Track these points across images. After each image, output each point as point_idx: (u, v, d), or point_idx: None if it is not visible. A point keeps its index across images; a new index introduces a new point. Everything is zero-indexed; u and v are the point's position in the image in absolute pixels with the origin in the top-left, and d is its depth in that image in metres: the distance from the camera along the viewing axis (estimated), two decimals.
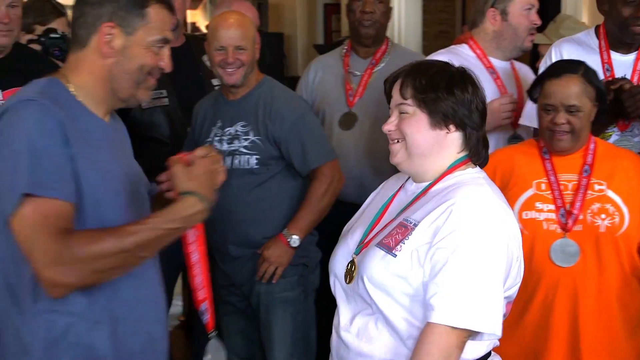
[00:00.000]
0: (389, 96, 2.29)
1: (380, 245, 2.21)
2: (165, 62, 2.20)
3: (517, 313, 2.78)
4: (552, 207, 2.80)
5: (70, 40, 2.20)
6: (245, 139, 3.30)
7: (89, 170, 2.06)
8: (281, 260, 3.29)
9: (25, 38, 3.89)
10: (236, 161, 3.29)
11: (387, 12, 4.00)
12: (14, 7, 3.21)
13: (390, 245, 2.18)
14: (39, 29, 3.82)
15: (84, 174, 2.04)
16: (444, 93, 2.21)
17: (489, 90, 3.43)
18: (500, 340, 2.19)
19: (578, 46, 3.31)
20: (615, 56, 3.27)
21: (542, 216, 2.80)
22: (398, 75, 2.27)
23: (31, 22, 3.74)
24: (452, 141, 2.23)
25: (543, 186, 2.84)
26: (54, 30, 3.84)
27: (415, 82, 2.22)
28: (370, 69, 3.90)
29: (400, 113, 2.23)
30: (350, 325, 2.24)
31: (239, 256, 3.35)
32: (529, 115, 3.21)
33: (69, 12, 3.14)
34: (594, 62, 3.05)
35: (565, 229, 2.78)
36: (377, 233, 2.27)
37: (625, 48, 3.28)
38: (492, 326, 2.10)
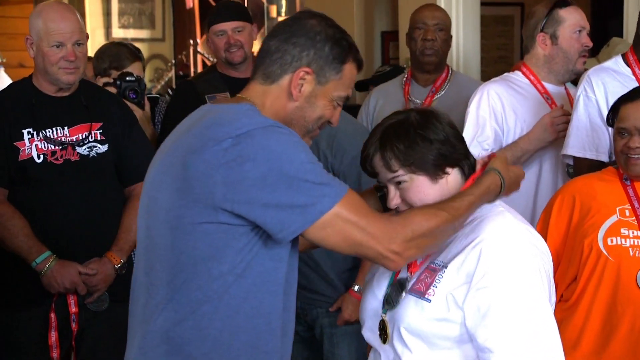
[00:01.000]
0: (373, 175, 2.25)
1: (412, 292, 2.17)
2: (335, 118, 2.20)
3: (600, 342, 2.75)
4: (638, 233, 2.75)
5: (255, 69, 2.17)
6: None
7: None
8: (356, 315, 3.29)
9: (101, 81, 4.01)
10: None
11: (448, 40, 4.02)
12: (80, 45, 3.31)
13: (422, 290, 2.15)
14: (115, 73, 3.90)
15: None
16: (425, 145, 2.18)
17: (543, 113, 3.42)
18: None
19: (614, 74, 3.25)
20: None
21: (628, 242, 2.75)
22: (370, 155, 2.22)
23: (107, 67, 3.85)
24: (453, 179, 2.21)
25: (627, 212, 2.78)
26: (130, 74, 3.92)
27: (394, 151, 2.17)
28: (431, 96, 3.91)
29: (398, 184, 2.20)
30: None
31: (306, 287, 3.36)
32: (574, 143, 3.20)
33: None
34: None
35: None
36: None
37: None
38: (556, 357, 2.09)
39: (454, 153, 2.20)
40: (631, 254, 2.73)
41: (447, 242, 2.17)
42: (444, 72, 4.01)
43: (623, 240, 2.75)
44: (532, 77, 3.51)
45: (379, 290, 2.27)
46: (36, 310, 3.31)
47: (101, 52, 4.38)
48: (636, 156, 2.75)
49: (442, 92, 3.96)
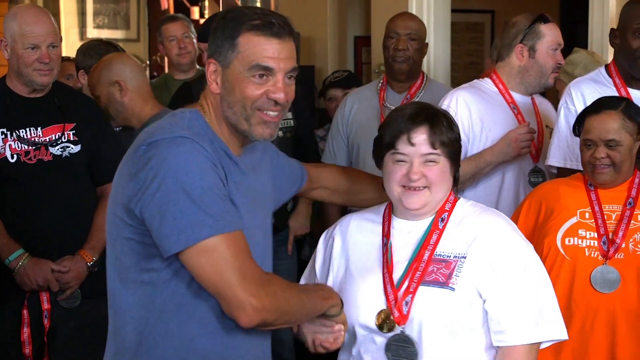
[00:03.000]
0: (395, 138, 2.29)
1: (430, 283, 2.25)
2: (277, 95, 2.11)
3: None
4: (594, 234, 2.83)
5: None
6: None
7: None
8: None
9: (82, 79, 4.05)
10: None
11: (422, 48, 4.06)
12: (55, 48, 3.35)
13: (441, 281, 2.25)
14: None
15: None
16: (457, 137, 2.34)
17: (510, 125, 3.49)
18: None
19: (595, 84, 3.33)
20: (633, 92, 3.29)
21: (584, 243, 2.84)
22: (419, 122, 2.28)
23: (93, 63, 3.87)
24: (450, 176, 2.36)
25: (587, 215, 2.87)
26: None
27: (442, 131, 2.28)
28: (406, 103, 3.95)
29: (426, 162, 2.28)
30: None
31: None
32: (555, 154, 3.30)
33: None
34: None
35: (606, 256, 2.80)
36: (408, 277, 2.29)
37: (639, 84, 3.30)
38: (563, 331, 2.30)
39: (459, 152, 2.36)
40: (587, 254, 2.83)
41: (447, 233, 2.31)
42: (418, 79, 4.07)
43: (580, 240, 2.84)
44: (500, 86, 3.55)
45: (375, 284, 2.32)
46: (9, 307, 3.34)
47: (89, 48, 4.42)
48: (602, 165, 2.84)
49: (416, 99, 3.99)
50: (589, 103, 3.04)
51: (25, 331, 3.31)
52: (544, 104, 3.69)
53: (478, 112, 3.50)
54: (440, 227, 2.32)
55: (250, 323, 2.00)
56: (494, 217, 2.38)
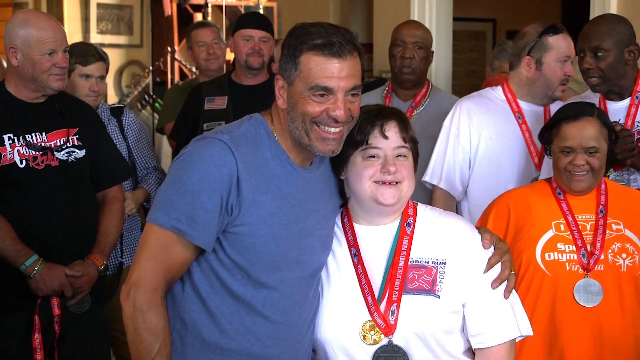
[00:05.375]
0: (360, 142, 2.30)
1: (412, 291, 2.26)
2: (335, 113, 2.18)
3: (541, 354, 2.80)
4: (573, 247, 2.81)
5: None
6: None
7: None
8: None
9: None
10: None
11: (428, 57, 4.07)
12: (66, 52, 3.36)
13: (425, 288, 2.26)
14: (79, 68, 3.96)
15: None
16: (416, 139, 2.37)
17: (511, 132, 3.52)
18: None
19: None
20: (610, 104, 3.34)
21: (564, 257, 2.81)
22: (389, 115, 2.32)
23: (73, 61, 3.88)
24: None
25: (562, 227, 2.85)
26: None
27: (408, 128, 2.32)
28: (410, 111, 3.98)
29: (398, 156, 2.30)
30: None
31: None
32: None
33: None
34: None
35: (586, 268, 2.78)
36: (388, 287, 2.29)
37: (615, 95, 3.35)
38: (530, 326, 2.37)
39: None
40: (567, 268, 2.80)
41: (417, 238, 2.32)
42: (424, 88, 4.08)
43: (560, 255, 2.82)
44: (509, 95, 3.58)
45: (354, 301, 2.31)
46: (20, 314, 3.34)
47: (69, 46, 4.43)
48: (580, 173, 2.83)
49: (422, 108, 4.01)
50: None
51: (37, 337, 3.32)
52: None
53: (478, 123, 3.54)
54: (409, 232, 2.32)
55: (124, 315, 2.19)
56: (458, 220, 2.42)
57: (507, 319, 2.31)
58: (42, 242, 3.32)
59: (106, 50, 4.36)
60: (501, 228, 2.88)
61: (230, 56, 5.48)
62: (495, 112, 3.57)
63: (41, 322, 3.34)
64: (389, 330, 2.25)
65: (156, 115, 7.19)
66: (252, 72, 4.28)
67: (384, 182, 2.28)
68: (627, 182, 3.24)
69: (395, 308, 2.25)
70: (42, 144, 3.32)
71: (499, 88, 3.64)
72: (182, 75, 8.06)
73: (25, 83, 3.32)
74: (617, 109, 3.32)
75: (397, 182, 2.28)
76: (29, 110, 3.35)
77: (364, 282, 2.29)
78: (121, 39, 8.35)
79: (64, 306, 3.38)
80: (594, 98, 3.37)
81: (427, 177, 3.66)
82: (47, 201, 3.31)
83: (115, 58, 7.64)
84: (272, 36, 4.37)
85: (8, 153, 3.27)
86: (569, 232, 2.84)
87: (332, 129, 2.20)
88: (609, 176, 3.21)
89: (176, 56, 8.07)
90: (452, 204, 3.66)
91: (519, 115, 3.55)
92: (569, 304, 2.78)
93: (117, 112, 4.16)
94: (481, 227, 2.50)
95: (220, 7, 8.14)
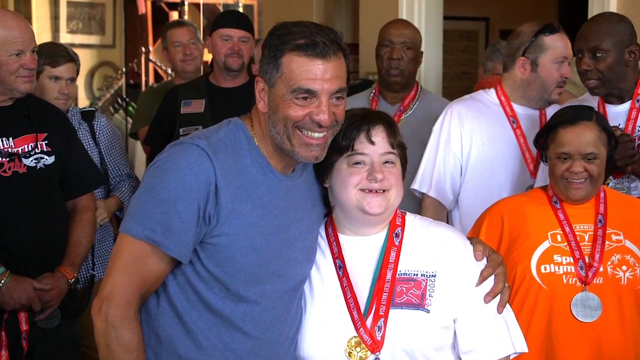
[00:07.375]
0: (346, 147, 2.29)
1: (401, 306, 2.25)
2: (319, 117, 2.16)
3: None
4: (570, 259, 2.80)
5: None
6: None
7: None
8: None
9: None
10: None
11: (417, 57, 4.07)
12: (34, 53, 3.34)
13: (414, 302, 2.25)
14: (48, 69, 3.94)
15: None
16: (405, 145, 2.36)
17: (504, 137, 3.52)
18: None
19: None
20: (610, 108, 3.34)
21: (561, 270, 2.79)
22: (376, 120, 2.31)
23: (42, 62, 3.86)
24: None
25: (559, 238, 2.83)
26: None
27: (396, 133, 2.31)
28: (399, 115, 3.98)
29: (385, 162, 2.29)
30: None
31: None
32: None
33: None
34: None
35: (585, 282, 2.77)
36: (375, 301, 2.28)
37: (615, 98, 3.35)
38: (525, 343, 2.36)
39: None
40: (564, 281, 2.78)
41: (405, 250, 2.30)
42: (412, 90, 4.08)
43: (557, 267, 2.80)
44: (502, 99, 3.57)
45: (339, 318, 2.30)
46: None
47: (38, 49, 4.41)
48: (578, 180, 2.82)
49: (410, 112, 4.02)
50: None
51: (4, 354, 3.29)
52: None
53: (470, 127, 3.54)
54: (397, 244, 2.32)
55: (95, 329, 2.18)
56: (449, 230, 2.42)
57: (501, 335, 2.30)
58: (9, 253, 3.29)
59: (77, 50, 4.35)
60: (494, 239, 2.87)
61: (208, 57, 5.45)
62: (488, 116, 3.57)
63: (8, 338, 3.30)
64: (375, 346, 2.23)
65: (129, 120, 7.18)
66: (231, 73, 4.27)
67: (370, 190, 2.27)
68: (627, 190, 3.24)
69: (382, 323, 2.24)
70: (9, 149, 3.30)
71: (492, 91, 3.63)
72: (157, 77, 8.04)
73: None
74: (616, 113, 3.32)
75: (384, 190, 2.27)
76: None
77: (350, 296, 2.28)
78: (92, 39, 8.33)
79: (32, 321, 3.35)
80: (593, 101, 3.37)
81: (416, 185, 3.65)
82: (14, 210, 3.29)
83: (86, 59, 7.63)
84: (252, 36, 4.36)
85: None
86: (566, 243, 2.82)
87: (316, 134, 2.19)
88: (608, 184, 3.21)
89: (151, 57, 8.06)
90: (443, 214, 3.65)
91: (513, 119, 3.55)
92: (566, 319, 2.77)
93: (88, 116, 4.14)
94: (473, 237, 2.51)
95: (197, 5, 8.13)
